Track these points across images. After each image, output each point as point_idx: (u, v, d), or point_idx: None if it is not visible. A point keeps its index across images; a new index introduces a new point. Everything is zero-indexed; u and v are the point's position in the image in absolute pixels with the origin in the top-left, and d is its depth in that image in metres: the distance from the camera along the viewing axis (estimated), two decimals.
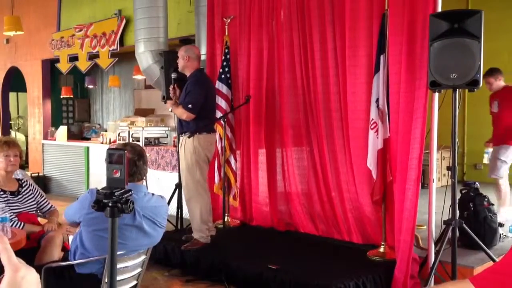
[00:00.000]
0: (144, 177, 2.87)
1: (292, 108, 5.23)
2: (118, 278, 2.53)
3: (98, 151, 8.53)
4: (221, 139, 5.20)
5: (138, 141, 7.59)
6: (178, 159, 5.29)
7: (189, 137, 4.63)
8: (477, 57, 3.55)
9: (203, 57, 6.10)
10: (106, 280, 2.60)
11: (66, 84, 11.55)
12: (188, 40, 7.45)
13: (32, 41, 9.92)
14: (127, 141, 7.60)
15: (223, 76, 5.40)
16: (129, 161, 2.65)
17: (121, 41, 8.14)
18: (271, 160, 5.46)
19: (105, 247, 2.26)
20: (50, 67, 10.02)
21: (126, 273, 2.74)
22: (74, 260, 2.80)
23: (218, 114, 5.18)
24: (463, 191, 4.57)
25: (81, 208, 2.71)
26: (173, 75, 4.79)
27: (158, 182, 6.87)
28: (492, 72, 5.48)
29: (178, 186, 5.68)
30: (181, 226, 5.54)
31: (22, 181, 3.72)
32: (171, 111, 4.91)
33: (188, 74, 4.76)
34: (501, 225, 4.54)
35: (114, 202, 1.82)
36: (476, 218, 4.40)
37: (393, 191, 4.20)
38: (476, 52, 3.56)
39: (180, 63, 4.76)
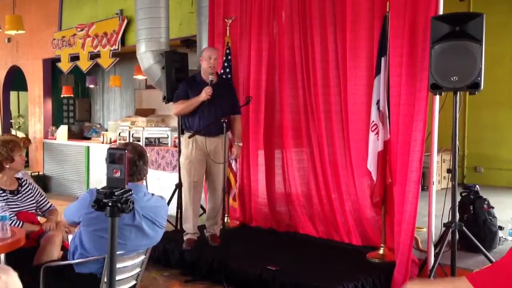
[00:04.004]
0: (144, 177, 2.87)
1: (293, 109, 5.22)
2: (117, 278, 2.53)
3: (98, 150, 8.53)
4: None
5: (139, 141, 7.59)
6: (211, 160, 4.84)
7: (224, 132, 4.73)
8: (478, 60, 3.56)
9: None
10: (105, 280, 2.60)
11: (67, 84, 11.56)
12: (189, 41, 7.46)
13: (34, 40, 9.93)
14: (127, 141, 7.60)
15: (224, 76, 5.40)
16: (129, 161, 2.65)
17: (123, 41, 8.15)
18: (271, 161, 5.46)
19: (104, 247, 2.26)
20: (51, 66, 10.04)
21: (125, 273, 2.74)
22: (74, 260, 2.80)
23: None
24: (463, 194, 4.57)
25: (81, 207, 2.70)
26: (211, 77, 4.68)
27: (158, 182, 6.87)
28: None
29: (178, 186, 5.67)
30: (180, 226, 5.53)
31: (22, 180, 3.72)
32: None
33: (216, 75, 4.82)
34: (501, 228, 4.54)
35: (114, 202, 1.83)
36: (476, 221, 4.40)
37: (393, 193, 4.19)
38: (478, 55, 3.56)
39: (216, 65, 4.77)
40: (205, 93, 4.59)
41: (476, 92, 3.67)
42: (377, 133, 4.18)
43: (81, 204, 2.71)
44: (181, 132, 5.19)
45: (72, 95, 11.70)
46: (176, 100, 4.85)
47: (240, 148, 4.89)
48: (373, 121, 4.21)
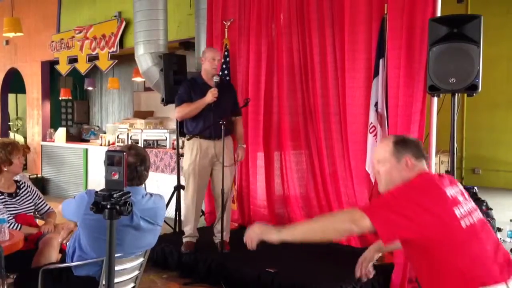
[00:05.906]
0: (144, 182, 2.85)
1: (291, 111, 5.23)
2: (116, 280, 2.52)
3: (97, 153, 8.53)
4: None
5: (137, 143, 7.58)
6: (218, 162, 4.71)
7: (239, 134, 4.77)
8: (476, 62, 3.56)
9: None
10: (103, 283, 2.59)
11: (65, 86, 11.56)
12: (188, 43, 7.46)
13: (32, 43, 9.92)
14: (130, 143, 7.57)
15: (225, 78, 5.40)
16: (130, 165, 2.63)
17: (121, 43, 8.15)
18: (269, 163, 5.45)
19: (103, 250, 2.25)
20: (49, 68, 10.02)
21: (124, 275, 2.73)
22: (72, 262, 2.79)
23: None
24: None
25: (79, 208, 2.68)
26: (216, 79, 4.55)
27: (157, 185, 6.87)
28: None
29: (177, 188, 5.67)
30: (179, 228, 5.53)
31: (20, 183, 3.72)
32: None
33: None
34: (499, 229, 4.54)
35: (112, 204, 1.82)
36: None
37: None
38: (475, 57, 3.57)
39: (218, 66, 4.72)
40: (212, 95, 4.45)
41: (474, 94, 3.68)
42: (376, 134, 4.18)
43: (79, 205, 2.68)
44: (182, 135, 5.14)
45: (70, 98, 11.70)
46: (179, 104, 4.63)
47: (244, 150, 4.79)
48: (371, 123, 4.21)
